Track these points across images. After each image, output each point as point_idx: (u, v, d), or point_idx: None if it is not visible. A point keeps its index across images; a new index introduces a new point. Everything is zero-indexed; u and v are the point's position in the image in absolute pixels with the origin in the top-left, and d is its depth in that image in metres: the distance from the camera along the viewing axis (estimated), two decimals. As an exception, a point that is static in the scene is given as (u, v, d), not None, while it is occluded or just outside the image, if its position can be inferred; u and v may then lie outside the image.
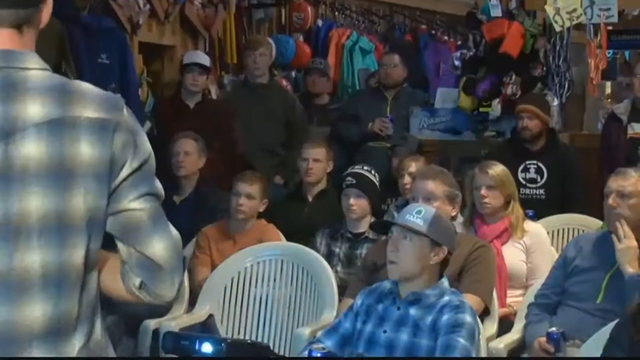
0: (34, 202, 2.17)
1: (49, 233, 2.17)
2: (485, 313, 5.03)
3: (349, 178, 5.98)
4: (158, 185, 2.34)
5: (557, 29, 7.88)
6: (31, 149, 2.16)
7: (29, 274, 2.17)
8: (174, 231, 2.35)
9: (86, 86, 2.29)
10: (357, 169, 6.10)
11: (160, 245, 2.30)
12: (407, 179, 6.25)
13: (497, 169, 5.66)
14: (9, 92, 2.19)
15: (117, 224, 2.28)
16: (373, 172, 6.10)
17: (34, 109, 2.18)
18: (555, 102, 7.88)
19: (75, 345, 2.23)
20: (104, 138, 2.22)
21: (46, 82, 2.23)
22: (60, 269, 2.19)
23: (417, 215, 4.38)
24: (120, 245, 2.31)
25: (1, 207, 2.16)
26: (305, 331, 5.15)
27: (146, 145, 2.33)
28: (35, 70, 2.24)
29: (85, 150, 2.20)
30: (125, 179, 2.26)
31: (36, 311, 2.18)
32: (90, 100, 2.25)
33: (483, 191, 5.59)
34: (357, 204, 5.91)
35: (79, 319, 2.24)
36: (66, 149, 2.18)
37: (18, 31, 2.26)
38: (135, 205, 2.27)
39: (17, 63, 2.23)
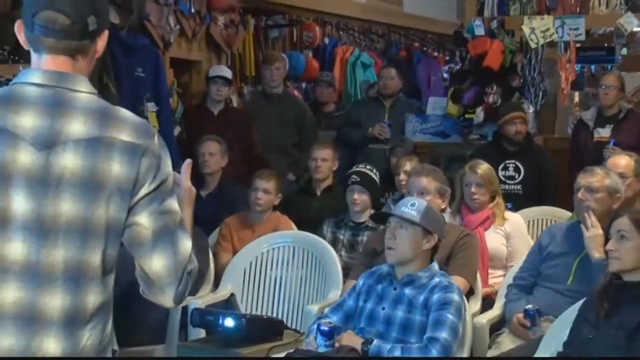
0: (65, 207, 2.18)
1: (73, 235, 2.18)
2: (470, 292, 5.03)
3: (354, 176, 5.98)
4: (171, 203, 2.30)
5: (533, 46, 7.88)
6: (68, 161, 2.18)
7: (54, 267, 2.18)
8: (182, 247, 2.29)
9: (125, 113, 2.30)
10: (361, 168, 6.10)
11: (159, 262, 2.26)
12: (402, 176, 6.24)
13: (484, 167, 5.68)
14: (58, 108, 2.21)
15: (127, 236, 2.27)
16: (374, 170, 6.10)
17: (76, 126, 2.20)
18: (531, 110, 7.87)
19: (85, 336, 2.22)
20: (133, 160, 2.22)
21: (91, 105, 2.24)
22: (80, 267, 2.20)
23: (411, 208, 4.38)
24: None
25: (36, 207, 2.17)
26: (314, 308, 5.15)
27: (167, 169, 2.31)
28: (84, 93, 2.25)
29: (116, 168, 2.20)
30: (143, 197, 2.25)
31: (57, 300, 2.19)
32: (127, 126, 2.25)
33: (473, 189, 5.60)
34: (360, 199, 5.92)
35: (95, 314, 2.24)
36: (99, 165, 2.19)
37: (72, 59, 2.27)
38: (144, 221, 2.25)
39: (69, 85, 2.24)
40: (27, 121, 2.19)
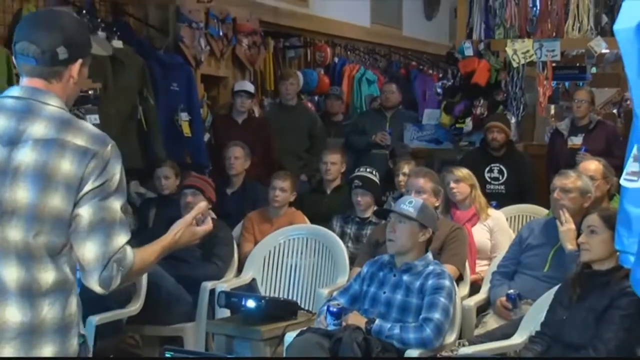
0: (19, 194, 2.22)
1: (23, 218, 2.22)
2: (459, 279, 5.02)
3: (357, 181, 5.95)
4: (113, 201, 2.29)
5: (515, 65, 7.85)
6: (26, 155, 2.22)
7: (9, 244, 2.22)
8: (114, 239, 2.28)
9: (86, 125, 2.33)
10: (362, 171, 6.06)
11: (89, 249, 2.26)
12: (401, 177, 6.23)
13: (461, 169, 5.70)
14: (25, 114, 2.26)
15: (71, 226, 2.26)
16: (374, 172, 6.08)
17: (38, 129, 2.24)
18: (513, 120, 7.84)
19: (45, 309, 2.24)
20: (82, 161, 2.24)
21: (56, 115, 2.28)
22: (26, 247, 2.22)
23: (409, 205, 4.38)
24: None
25: None
26: (325, 291, 5.14)
27: (114, 171, 2.29)
28: (52, 106, 2.29)
29: (65, 165, 2.23)
30: (87, 193, 2.25)
31: (12, 274, 2.22)
32: (84, 134, 2.27)
33: (452, 185, 5.59)
34: (363, 200, 5.91)
35: (51, 290, 2.24)
36: (50, 161, 2.22)
37: (47, 81, 2.32)
38: (84, 212, 2.25)
39: (40, 98, 2.29)
40: None
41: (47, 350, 2.24)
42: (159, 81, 6.74)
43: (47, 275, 2.24)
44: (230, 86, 7.93)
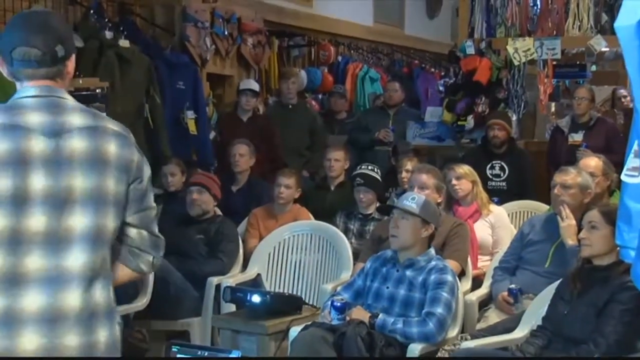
0: (77, 181, 2.23)
1: (87, 203, 2.24)
2: (462, 274, 5.01)
3: (358, 179, 5.93)
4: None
5: (516, 63, 7.83)
6: (75, 144, 2.25)
7: (71, 233, 2.22)
8: None
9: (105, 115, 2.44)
10: (364, 169, 6.04)
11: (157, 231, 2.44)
12: (404, 174, 6.20)
13: (462, 165, 5.69)
14: (56, 109, 2.28)
15: (144, 218, 2.37)
16: (376, 169, 6.06)
17: (76, 119, 2.28)
18: (514, 118, 7.82)
19: (97, 293, 2.26)
20: (124, 143, 2.32)
21: (78, 106, 2.33)
22: (95, 230, 2.24)
23: (412, 201, 4.37)
24: (134, 231, 2.37)
25: (53, 184, 2.22)
26: (329, 286, 5.14)
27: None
28: (69, 100, 2.33)
29: (113, 148, 2.29)
30: (148, 179, 2.37)
31: (77, 260, 2.22)
32: (109, 120, 2.36)
33: (454, 182, 5.58)
34: (365, 197, 5.89)
35: (100, 274, 2.27)
36: (100, 145, 2.27)
37: (53, 81, 2.34)
38: (153, 202, 2.41)
39: (58, 94, 2.32)
40: (35, 118, 2.25)
41: (102, 335, 2.26)
42: (165, 80, 6.74)
43: (102, 259, 2.27)
44: (235, 85, 7.93)
